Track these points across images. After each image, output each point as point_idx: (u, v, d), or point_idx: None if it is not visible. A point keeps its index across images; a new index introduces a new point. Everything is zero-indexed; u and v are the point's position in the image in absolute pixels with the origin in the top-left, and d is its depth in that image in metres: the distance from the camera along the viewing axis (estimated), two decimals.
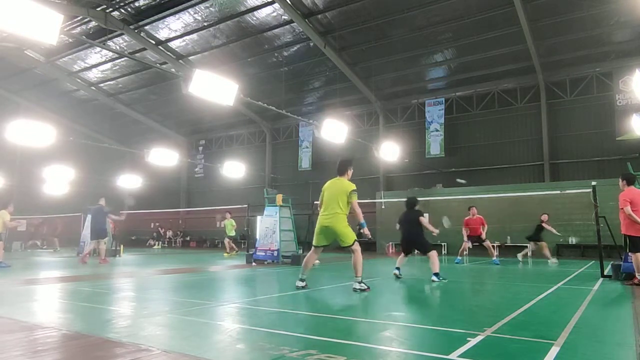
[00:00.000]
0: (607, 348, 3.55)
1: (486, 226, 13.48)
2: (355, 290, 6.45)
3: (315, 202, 14.56)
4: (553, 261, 13.57)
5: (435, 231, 8.67)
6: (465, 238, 13.48)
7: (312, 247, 6.84)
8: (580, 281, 8.41)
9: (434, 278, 7.89)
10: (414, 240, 8.59)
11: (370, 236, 7.22)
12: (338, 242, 6.56)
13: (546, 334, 3.82)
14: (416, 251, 9.21)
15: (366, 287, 6.49)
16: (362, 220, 6.53)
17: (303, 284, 6.71)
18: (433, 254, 8.13)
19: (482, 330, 3.88)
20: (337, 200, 6.53)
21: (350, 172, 6.94)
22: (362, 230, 6.63)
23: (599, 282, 7.99)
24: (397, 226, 9.02)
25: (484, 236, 13.36)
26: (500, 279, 9.29)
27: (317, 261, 12.99)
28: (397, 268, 8.63)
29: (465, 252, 13.94)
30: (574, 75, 19.93)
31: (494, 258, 13.33)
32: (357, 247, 6.55)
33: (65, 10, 16.46)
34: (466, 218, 13.68)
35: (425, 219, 8.50)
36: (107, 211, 13.34)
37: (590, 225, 11.91)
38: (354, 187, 6.67)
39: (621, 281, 7.98)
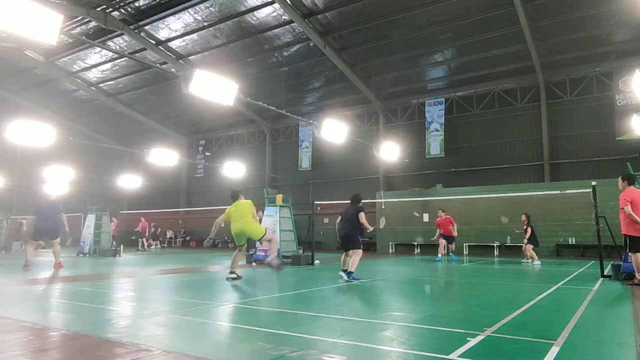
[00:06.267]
0: (607, 348, 3.55)
1: (455, 225, 14.88)
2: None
3: (316, 202, 14.68)
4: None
5: (370, 228, 8.55)
6: (436, 237, 15.07)
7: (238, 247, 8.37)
8: (580, 281, 8.41)
9: (342, 274, 8.13)
10: (348, 239, 8.46)
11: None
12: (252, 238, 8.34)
13: (546, 334, 3.82)
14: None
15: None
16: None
17: (233, 276, 8.12)
18: (358, 253, 8.25)
19: (482, 330, 3.89)
20: (247, 213, 8.25)
21: (242, 197, 8.64)
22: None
23: (599, 282, 7.99)
24: (338, 219, 8.86)
25: (455, 234, 14.84)
26: (500, 279, 9.29)
27: (317, 261, 13.05)
28: (344, 270, 8.35)
29: (444, 252, 15.09)
30: (574, 75, 19.92)
31: (439, 256, 14.74)
32: (270, 236, 8.30)
33: (65, 10, 16.46)
34: (437, 219, 15.09)
35: (363, 216, 8.36)
36: (62, 209, 10.96)
37: (590, 225, 11.90)
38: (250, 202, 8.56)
39: (621, 281, 7.99)
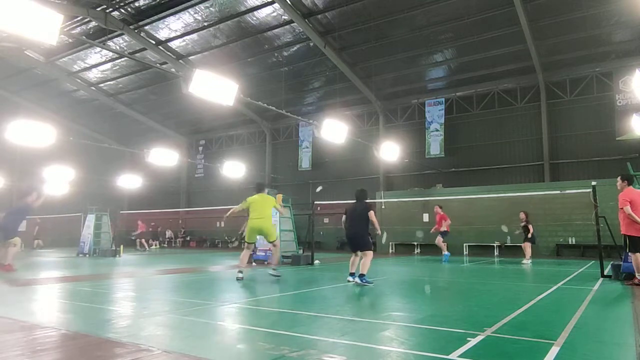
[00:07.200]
0: (607, 348, 3.55)
1: (447, 221, 14.80)
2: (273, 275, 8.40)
3: (316, 202, 14.66)
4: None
5: (379, 230, 8.01)
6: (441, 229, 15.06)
7: (246, 244, 8.58)
8: (580, 281, 8.41)
9: (357, 280, 7.37)
10: (357, 239, 7.86)
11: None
12: (266, 238, 8.55)
13: (546, 334, 3.83)
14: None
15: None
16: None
17: (242, 275, 8.12)
18: (369, 254, 7.65)
19: (482, 330, 3.89)
20: (269, 210, 8.51)
21: (266, 191, 9.05)
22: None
23: (599, 282, 7.99)
24: (343, 218, 8.24)
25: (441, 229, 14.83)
26: (500, 279, 9.29)
27: (317, 261, 13.05)
28: (352, 274, 7.77)
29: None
30: (574, 75, 19.91)
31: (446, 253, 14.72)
32: (278, 243, 8.72)
33: (65, 10, 16.46)
34: (441, 214, 15.02)
35: (373, 214, 7.73)
36: (29, 206, 10.82)
37: (590, 225, 11.90)
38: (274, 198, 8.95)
39: (621, 281, 7.99)
